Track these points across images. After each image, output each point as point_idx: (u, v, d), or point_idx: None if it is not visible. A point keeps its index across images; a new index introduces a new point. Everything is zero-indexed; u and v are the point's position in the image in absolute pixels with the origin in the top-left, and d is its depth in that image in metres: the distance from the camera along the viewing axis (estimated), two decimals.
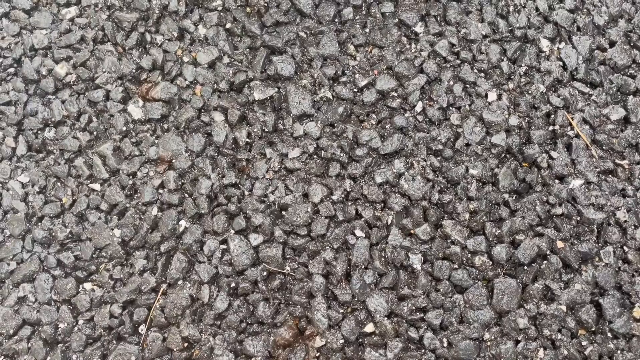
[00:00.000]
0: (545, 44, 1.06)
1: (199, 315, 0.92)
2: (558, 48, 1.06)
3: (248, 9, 1.09)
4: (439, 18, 1.08)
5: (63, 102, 1.04)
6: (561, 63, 1.05)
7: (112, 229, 0.97)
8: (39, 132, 1.03)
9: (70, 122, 1.03)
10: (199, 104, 1.03)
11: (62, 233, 0.96)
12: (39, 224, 0.98)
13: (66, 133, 1.02)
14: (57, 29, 1.08)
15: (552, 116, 1.02)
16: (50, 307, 0.94)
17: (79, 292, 0.94)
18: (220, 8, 1.09)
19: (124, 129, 1.02)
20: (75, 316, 0.93)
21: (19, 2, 1.09)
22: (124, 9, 1.09)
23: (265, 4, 1.09)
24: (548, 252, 0.94)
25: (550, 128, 1.01)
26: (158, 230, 0.97)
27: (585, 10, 1.09)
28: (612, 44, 1.07)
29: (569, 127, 1.01)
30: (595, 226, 0.95)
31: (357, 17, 1.08)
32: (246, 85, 1.04)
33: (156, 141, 1.01)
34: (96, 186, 0.99)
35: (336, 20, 1.08)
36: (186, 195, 0.99)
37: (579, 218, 0.96)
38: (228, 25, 1.08)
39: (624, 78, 1.04)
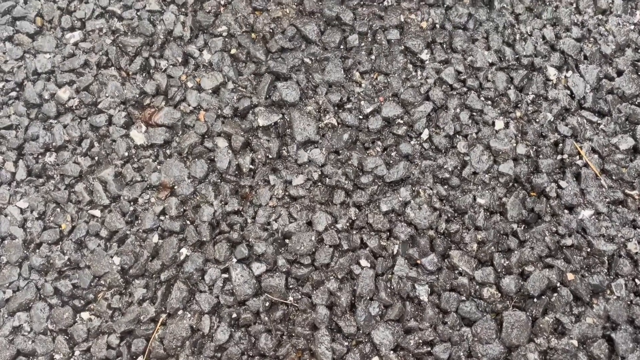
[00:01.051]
0: (552, 73, 1.05)
1: (199, 347, 0.90)
2: (565, 76, 1.06)
3: (253, 35, 1.09)
4: (445, 45, 1.07)
5: (65, 126, 1.03)
6: (569, 92, 1.04)
7: (112, 257, 0.94)
8: (40, 156, 1.02)
9: (71, 147, 1.02)
10: (202, 130, 1.01)
11: (60, 260, 0.94)
12: (37, 250, 0.96)
13: (67, 158, 1.01)
14: (61, 53, 1.07)
15: (561, 145, 1.00)
16: (46, 337, 0.91)
17: (76, 321, 0.92)
18: (225, 34, 1.09)
19: (126, 154, 1.01)
20: (71, 347, 0.91)
21: (23, 26, 1.09)
22: (129, 33, 1.08)
23: (271, 30, 1.08)
24: (558, 284, 0.91)
25: (559, 157, 1.00)
26: (158, 258, 0.95)
27: (592, 39, 1.09)
28: (619, 72, 1.06)
29: (578, 157, 1.00)
30: (605, 258, 0.93)
31: (363, 44, 1.08)
32: (250, 111, 1.03)
33: (158, 167, 1.00)
34: (96, 212, 0.97)
35: (341, 47, 1.08)
36: (188, 222, 0.97)
37: (589, 249, 0.94)
38: (233, 51, 1.07)
39: (632, 107, 1.03)
